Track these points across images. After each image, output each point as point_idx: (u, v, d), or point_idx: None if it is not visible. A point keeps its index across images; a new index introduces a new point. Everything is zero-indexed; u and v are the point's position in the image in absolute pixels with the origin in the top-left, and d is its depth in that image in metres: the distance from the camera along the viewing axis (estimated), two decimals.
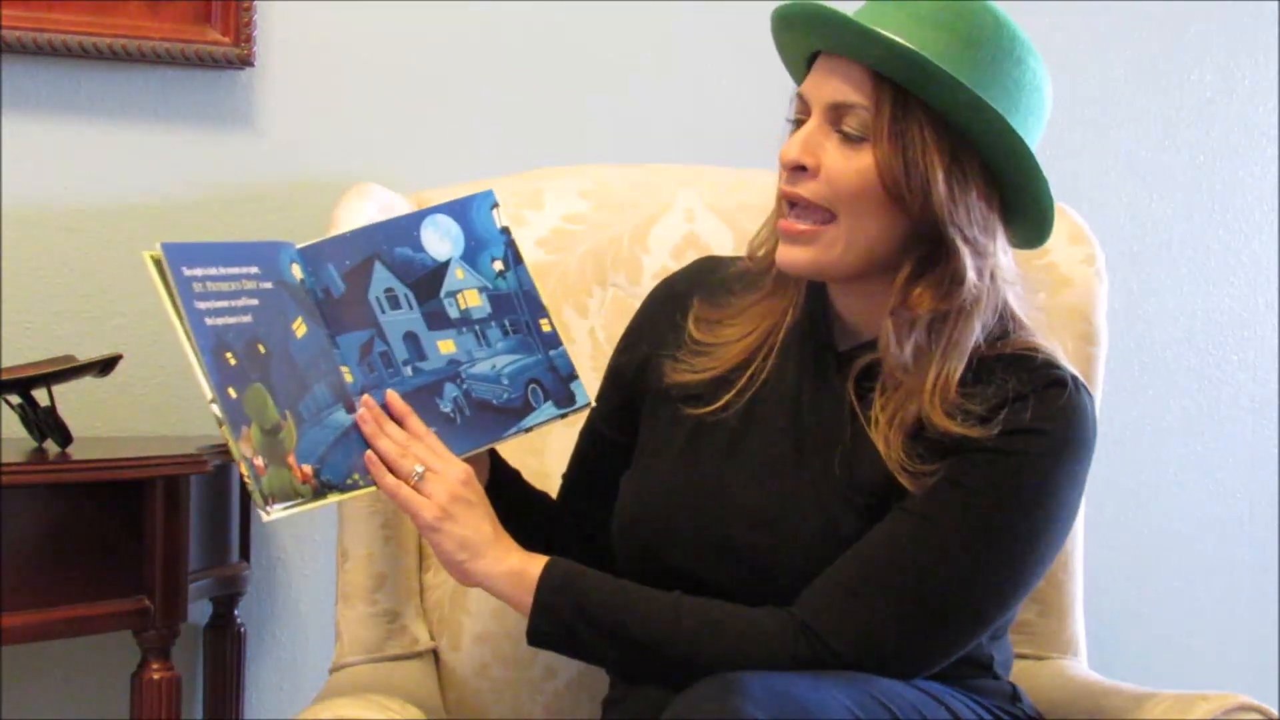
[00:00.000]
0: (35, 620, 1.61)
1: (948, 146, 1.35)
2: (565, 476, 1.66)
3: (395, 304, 1.45)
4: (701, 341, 1.50)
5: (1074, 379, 1.39)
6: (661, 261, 1.80)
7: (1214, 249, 2.50)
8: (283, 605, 2.10)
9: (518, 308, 1.50)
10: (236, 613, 2.00)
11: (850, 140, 1.36)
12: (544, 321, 1.51)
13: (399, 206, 1.78)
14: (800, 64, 1.44)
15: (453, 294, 1.47)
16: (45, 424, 1.77)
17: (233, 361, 1.33)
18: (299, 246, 1.43)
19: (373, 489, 1.41)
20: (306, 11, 2.05)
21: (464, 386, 1.46)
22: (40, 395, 1.77)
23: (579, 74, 2.17)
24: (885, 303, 1.39)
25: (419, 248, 1.46)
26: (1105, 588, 2.39)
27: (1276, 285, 2.53)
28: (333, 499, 1.39)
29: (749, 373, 1.47)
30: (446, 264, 1.47)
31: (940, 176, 1.34)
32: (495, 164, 2.01)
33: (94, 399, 1.96)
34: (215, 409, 1.32)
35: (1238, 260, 2.52)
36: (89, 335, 1.97)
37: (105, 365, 1.77)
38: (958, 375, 1.37)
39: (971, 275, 1.36)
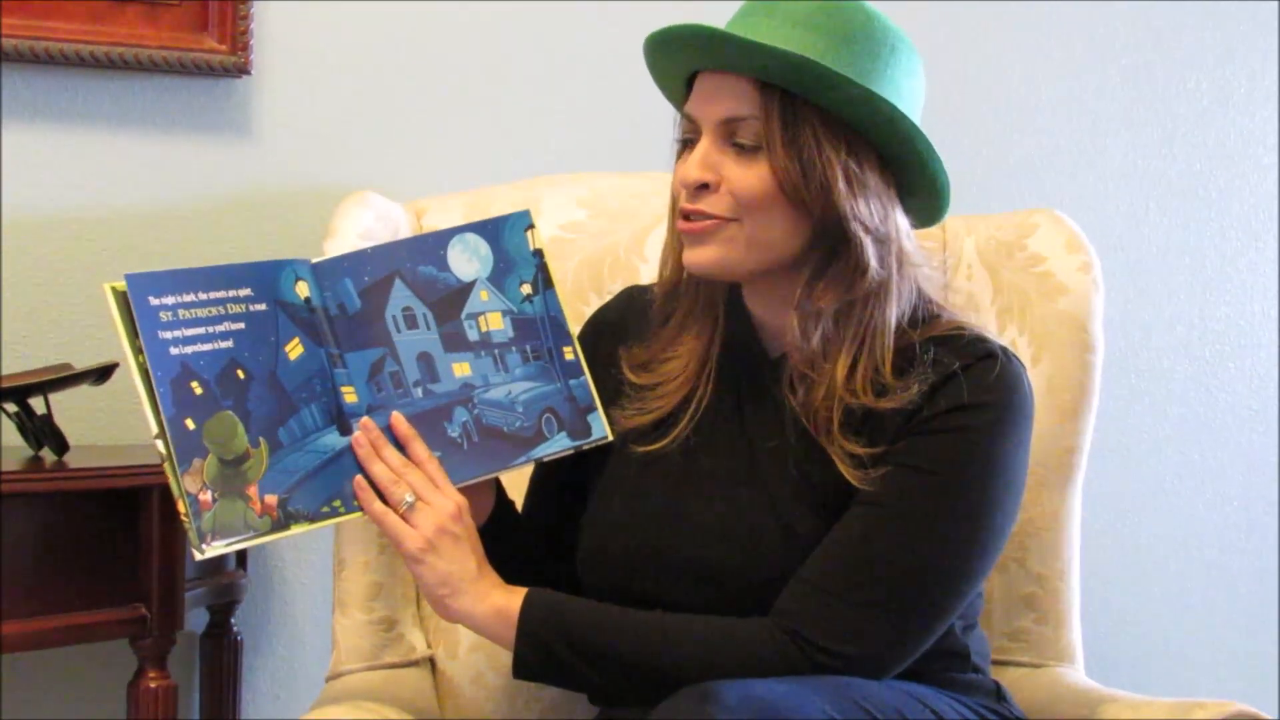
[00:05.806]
0: (32, 628, 1.61)
1: (841, 143, 1.37)
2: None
3: (412, 323, 1.42)
4: (643, 385, 1.50)
5: (1003, 350, 1.41)
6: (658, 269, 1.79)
7: (1211, 257, 2.50)
8: (279, 613, 2.10)
9: (541, 334, 1.47)
10: (233, 621, 2.00)
11: (745, 151, 1.38)
12: (568, 349, 1.47)
13: (396, 215, 1.78)
14: (678, 85, 1.46)
15: (474, 316, 1.44)
16: (42, 432, 1.76)
17: (198, 391, 1.31)
18: (314, 261, 1.40)
19: (355, 516, 1.38)
20: (303, 20, 2.05)
21: (475, 412, 1.43)
22: (37, 403, 1.77)
23: (576, 83, 2.18)
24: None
25: (444, 267, 1.43)
26: (1102, 595, 2.39)
27: (1274, 293, 2.53)
28: (296, 530, 1.35)
29: (692, 406, 1.48)
30: (471, 284, 1.44)
31: (839, 174, 1.36)
32: (492, 172, 2.01)
33: (91, 407, 1.96)
34: (159, 445, 1.30)
35: (1234, 268, 2.52)
36: (86, 343, 1.96)
37: (102, 373, 1.76)
38: (884, 360, 1.40)
39: (874, 264, 1.39)
